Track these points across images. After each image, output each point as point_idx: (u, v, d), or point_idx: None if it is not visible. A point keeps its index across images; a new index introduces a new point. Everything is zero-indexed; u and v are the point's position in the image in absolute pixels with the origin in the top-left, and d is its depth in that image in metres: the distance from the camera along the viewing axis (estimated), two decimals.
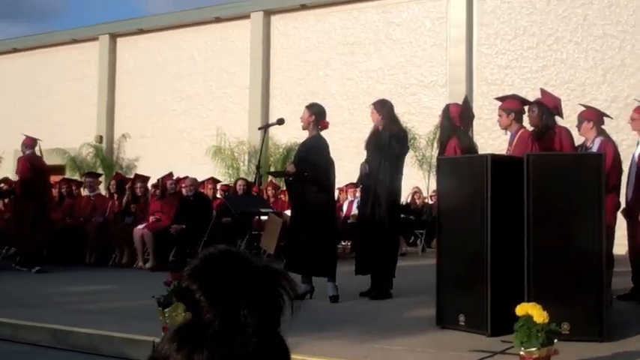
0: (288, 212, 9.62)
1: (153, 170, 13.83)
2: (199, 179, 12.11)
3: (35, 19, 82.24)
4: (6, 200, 12.15)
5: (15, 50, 24.55)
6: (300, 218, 7.11)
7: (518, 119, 6.41)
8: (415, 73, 17.97)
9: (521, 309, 4.32)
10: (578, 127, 7.13)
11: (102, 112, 22.46)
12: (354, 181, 9.99)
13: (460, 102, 7.59)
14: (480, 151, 7.54)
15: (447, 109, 7.25)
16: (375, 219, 7.22)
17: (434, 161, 11.73)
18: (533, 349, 4.16)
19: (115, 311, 6.41)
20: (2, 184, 11.98)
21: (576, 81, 16.03)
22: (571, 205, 5.09)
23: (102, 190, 13.62)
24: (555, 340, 4.28)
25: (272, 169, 15.61)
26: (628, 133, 10.42)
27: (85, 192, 12.85)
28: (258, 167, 7.34)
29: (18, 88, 24.14)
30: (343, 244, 13.28)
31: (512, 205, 5.20)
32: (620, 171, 7.04)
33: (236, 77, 20.34)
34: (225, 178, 17.00)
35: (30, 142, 10.55)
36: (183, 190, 11.19)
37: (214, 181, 13.25)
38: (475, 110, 10.45)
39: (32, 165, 10.27)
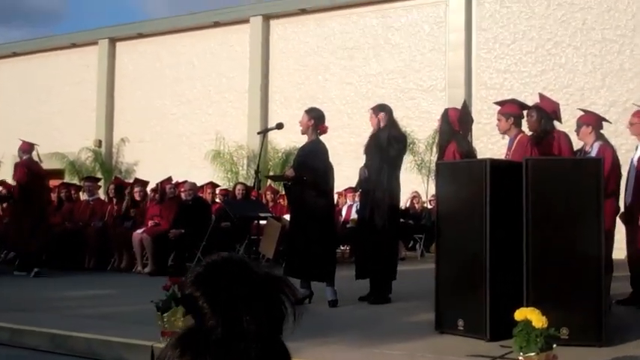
0: (287, 217, 9.62)
1: (152, 174, 13.83)
2: (198, 184, 12.11)
3: (34, 24, 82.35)
4: (4, 205, 12.16)
5: (14, 54, 24.58)
6: (300, 223, 7.11)
7: (517, 124, 6.41)
8: (414, 77, 17.99)
9: (520, 314, 4.32)
10: (577, 131, 7.14)
11: (101, 117, 22.47)
12: (353, 185, 10.00)
13: (459, 106, 7.60)
14: (479, 156, 7.55)
15: (445, 114, 7.26)
16: (375, 223, 7.22)
17: (433, 166, 11.75)
18: (532, 354, 4.16)
19: (113, 316, 6.40)
20: (1, 188, 11.98)
21: (575, 85, 16.05)
22: (570, 210, 5.09)
23: (101, 194, 13.62)
24: (554, 345, 4.28)
25: (271, 174, 15.61)
26: (627, 138, 10.43)
27: (84, 196, 12.85)
28: (257, 172, 7.34)
29: (17, 92, 24.15)
30: (342, 248, 13.28)
31: (511, 210, 5.19)
32: (619, 175, 7.05)
33: (235, 82, 20.36)
34: (224, 183, 17.00)
35: (27, 147, 10.54)
36: (182, 195, 11.19)
37: (213, 185, 13.25)
38: (474, 115, 10.47)
39: (29, 170, 10.27)
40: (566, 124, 7.55)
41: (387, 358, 4.76)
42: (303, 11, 19.57)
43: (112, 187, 12.34)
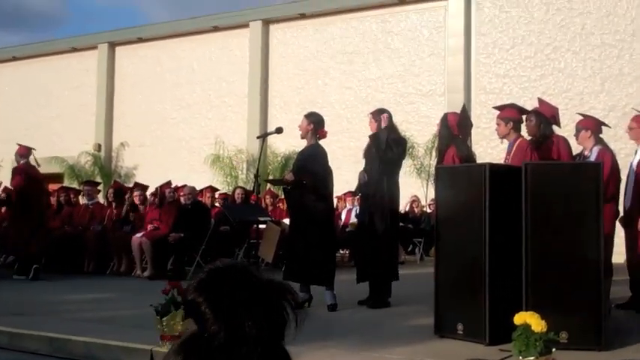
0: (286, 221, 9.62)
1: (151, 179, 13.83)
2: (198, 188, 12.11)
3: (33, 28, 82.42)
4: (3, 209, 12.16)
5: (15, 58, 24.59)
6: (299, 227, 7.11)
7: (517, 128, 6.42)
8: (413, 82, 18.01)
9: (519, 318, 4.32)
10: (576, 136, 7.14)
11: (101, 121, 22.48)
12: (353, 189, 9.99)
13: (458, 111, 7.61)
14: (478, 160, 7.55)
15: (445, 118, 7.27)
16: (374, 227, 7.22)
17: (432, 170, 11.74)
18: (532, 358, 4.16)
19: (113, 320, 6.39)
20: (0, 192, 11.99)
21: (574, 90, 16.07)
22: (569, 214, 5.10)
23: (100, 198, 13.62)
24: (554, 349, 4.28)
25: (270, 178, 15.61)
26: (626, 142, 10.44)
27: (83, 200, 12.85)
28: (256, 176, 7.34)
29: (17, 96, 24.17)
30: (341, 252, 13.28)
31: (510, 214, 5.20)
32: (618, 180, 7.05)
33: (235, 86, 20.37)
34: (223, 187, 17.01)
35: (24, 152, 10.55)
36: (182, 199, 11.19)
37: (213, 189, 13.24)
38: (473, 119, 10.48)
39: (27, 175, 10.28)
40: (566, 129, 7.56)
41: None
42: (303, 16, 19.60)
43: (111, 191, 12.34)
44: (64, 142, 22.47)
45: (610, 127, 8.09)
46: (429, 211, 14.42)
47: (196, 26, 21.13)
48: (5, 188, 12.09)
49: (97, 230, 11.40)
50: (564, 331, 4.81)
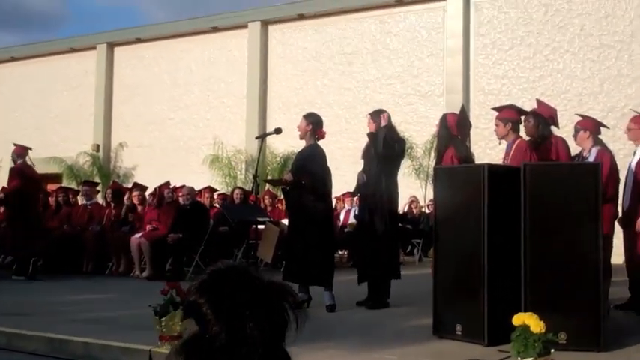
0: (285, 221, 9.62)
1: (150, 179, 13.82)
2: (196, 188, 12.10)
3: (31, 29, 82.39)
4: (1, 210, 12.15)
5: (13, 59, 24.57)
6: (298, 227, 7.12)
7: (515, 129, 6.42)
8: (412, 82, 18.02)
9: (518, 318, 4.33)
10: (575, 136, 7.14)
11: (99, 121, 22.47)
12: (351, 190, 9.99)
13: (457, 111, 7.61)
14: (477, 161, 7.56)
15: (444, 119, 7.27)
16: (373, 228, 7.23)
17: (431, 171, 11.74)
18: (530, 358, 4.16)
19: (111, 320, 6.39)
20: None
21: (573, 91, 16.08)
22: (568, 215, 5.10)
23: (99, 199, 13.62)
24: (552, 350, 4.29)
25: (269, 178, 15.61)
26: (624, 143, 10.44)
27: (82, 201, 12.85)
28: (255, 176, 7.34)
29: (15, 96, 24.16)
30: (340, 253, 13.28)
31: (509, 215, 5.21)
32: (617, 180, 7.06)
33: (233, 87, 20.37)
34: (222, 187, 17.01)
35: (21, 151, 10.56)
36: (180, 199, 11.19)
37: (211, 190, 13.24)
38: (472, 120, 10.48)
39: (23, 175, 10.29)
40: (564, 130, 7.56)
41: None
42: (302, 17, 19.60)
43: (109, 191, 12.34)
44: (62, 143, 22.46)
45: (609, 128, 8.09)
46: (427, 211, 14.42)
47: (195, 27, 21.13)
48: (3, 189, 12.09)
49: (95, 231, 11.40)
50: (563, 331, 4.81)
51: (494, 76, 17.09)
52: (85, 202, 12.42)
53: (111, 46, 22.73)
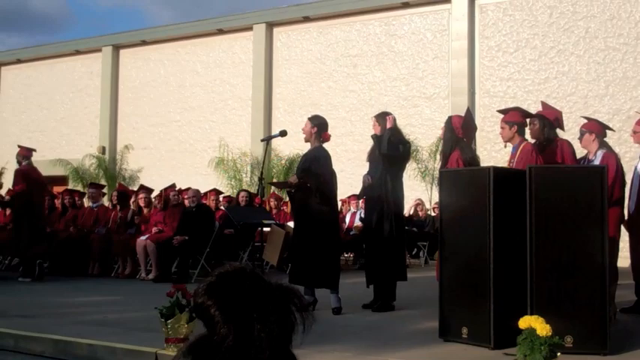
0: (290, 224, 9.63)
1: (155, 181, 13.88)
2: (202, 190, 12.13)
3: (38, 31, 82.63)
4: (7, 212, 12.19)
5: (19, 61, 24.68)
6: (303, 230, 7.11)
7: (521, 132, 6.41)
8: (417, 85, 18.02)
9: (524, 322, 4.32)
10: (580, 139, 7.13)
11: (105, 123, 22.53)
12: (357, 192, 9.99)
13: (462, 114, 7.61)
14: (483, 164, 7.56)
15: (449, 121, 7.26)
16: (380, 230, 7.23)
17: (436, 173, 11.75)
18: None
19: (117, 322, 6.40)
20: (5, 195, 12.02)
21: (578, 93, 16.06)
22: (574, 218, 5.09)
23: (105, 201, 13.64)
24: (558, 354, 4.28)
25: (274, 181, 15.63)
26: (630, 146, 10.45)
27: (87, 203, 12.88)
28: (260, 179, 7.35)
29: (21, 99, 24.25)
30: (346, 255, 13.27)
31: (514, 218, 5.20)
32: (623, 183, 7.04)
33: (238, 89, 20.41)
34: (227, 190, 17.03)
35: (26, 153, 10.61)
36: (186, 202, 11.21)
37: (217, 192, 13.27)
38: (477, 122, 10.48)
39: (28, 177, 10.33)
40: (570, 132, 7.56)
41: None
42: (307, 19, 19.63)
43: (115, 194, 12.37)
44: (68, 145, 22.54)
45: (614, 130, 8.08)
46: (433, 214, 14.41)
47: (200, 29, 21.17)
48: (9, 191, 12.13)
49: (101, 233, 11.43)
50: (569, 335, 4.80)
51: (499, 78, 17.08)
52: (90, 204, 12.45)
53: (116, 49, 22.79)
